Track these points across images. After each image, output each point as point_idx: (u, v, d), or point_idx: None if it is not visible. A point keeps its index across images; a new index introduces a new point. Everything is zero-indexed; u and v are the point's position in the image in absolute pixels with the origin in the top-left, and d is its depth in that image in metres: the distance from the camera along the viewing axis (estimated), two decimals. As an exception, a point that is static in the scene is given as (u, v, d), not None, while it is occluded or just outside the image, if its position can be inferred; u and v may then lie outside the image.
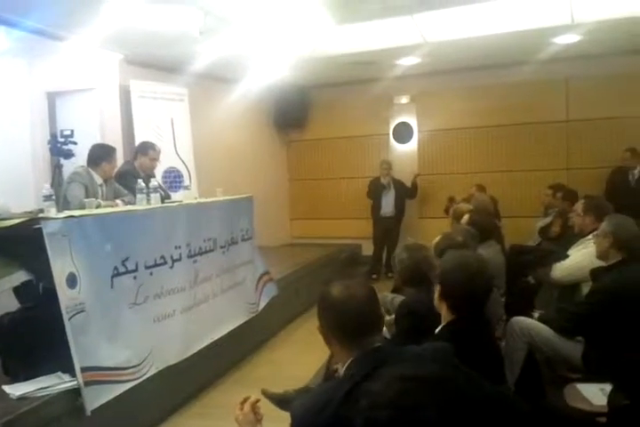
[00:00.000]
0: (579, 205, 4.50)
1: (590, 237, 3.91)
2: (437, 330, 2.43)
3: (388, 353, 1.68)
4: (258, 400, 1.99)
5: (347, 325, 1.73)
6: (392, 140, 9.27)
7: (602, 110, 7.82)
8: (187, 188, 6.49)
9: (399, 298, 3.61)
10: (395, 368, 1.07)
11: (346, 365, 1.71)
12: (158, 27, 5.45)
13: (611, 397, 2.37)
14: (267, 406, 2.16)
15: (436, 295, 2.46)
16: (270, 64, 7.23)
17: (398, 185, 8.48)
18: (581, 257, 3.97)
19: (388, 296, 3.76)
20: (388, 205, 8.45)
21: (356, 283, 1.82)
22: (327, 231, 9.49)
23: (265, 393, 3.49)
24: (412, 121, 9.10)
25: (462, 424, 0.99)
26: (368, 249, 8.82)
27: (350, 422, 1.48)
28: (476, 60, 7.74)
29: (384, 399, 1.00)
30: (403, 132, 9.18)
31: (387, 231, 8.45)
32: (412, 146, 9.16)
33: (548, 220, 6.67)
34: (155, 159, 5.36)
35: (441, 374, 1.04)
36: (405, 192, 8.53)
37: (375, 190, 8.49)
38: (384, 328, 3.19)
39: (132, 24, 5.29)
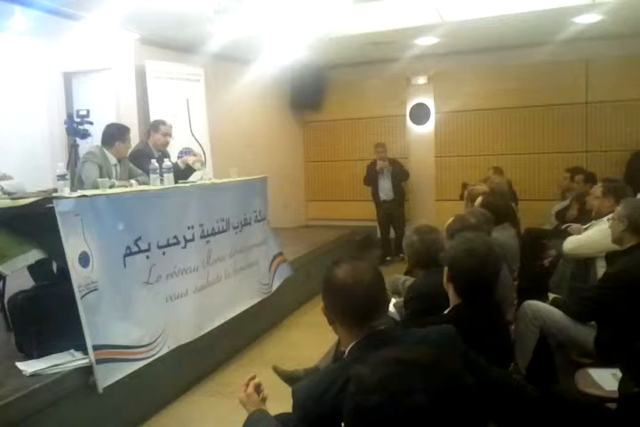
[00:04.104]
0: (597, 188, 4.46)
1: (605, 219, 3.89)
2: (445, 312, 2.43)
3: (391, 337, 1.67)
4: (260, 383, 2.01)
5: (352, 308, 1.71)
6: (409, 122, 9.19)
7: (623, 92, 7.67)
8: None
9: (411, 280, 3.60)
10: (385, 352, 1.06)
11: (349, 348, 1.71)
12: (173, 6, 5.42)
13: (621, 383, 2.35)
14: (272, 386, 2.17)
15: (445, 279, 2.45)
16: (286, 44, 7.16)
17: (395, 167, 8.36)
18: (594, 233, 4.00)
19: (401, 278, 3.74)
20: (384, 189, 8.36)
21: (362, 265, 1.79)
22: (343, 213, 9.47)
23: (276, 369, 3.54)
24: (430, 102, 9.01)
25: (456, 410, 0.97)
26: (383, 232, 8.80)
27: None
28: (495, 40, 7.61)
29: (371, 384, 0.98)
30: (420, 114, 9.10)
31: (389, 215, 8.40)
32: (429, 127, 9.08)
33: (565, 203, 6.62)
34: (167, 134, 5.33)
35: (433, 357, 1.02)
36: (401, 174, 8.43)
37: (372, 175, 8.39)
38: (394, 311, 3.19)
39: (147, 3, 5.27)
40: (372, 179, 8.42)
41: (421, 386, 0.95)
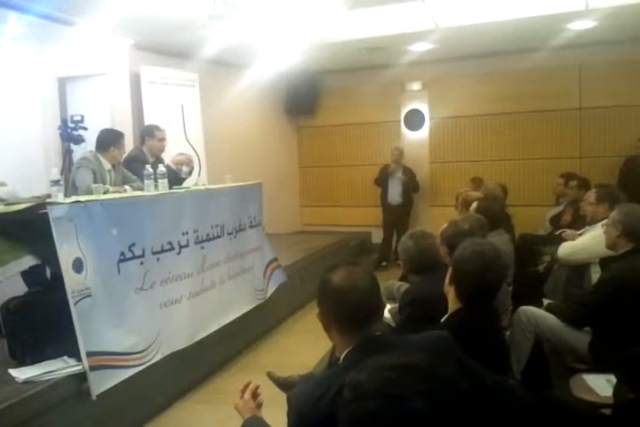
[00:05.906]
0: (590, 194, 4.48)
1: (599, 224, 3.90)
2: (444, 318, 2.41)
3: (386, 342, 1.66)
4: (258, 387, 2.00)
5: (347, 314, 1.70)
6: (403, 128, 9.20)
7: (616, 98, 7.71)
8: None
9: (406, 286, 3.60)
10: (381, 357, 1.05)
11: (344, 354, 1.69)
12: (168, 12, 5.41)
13: (616, 389, 2.35)
14: (267, 393, 2.15)
15: (447, 280, 2.43)
16: (281, 50, 7.17)
17: (408, 173, 8.43)
18: (589, 238, 4.02)
19: (396, 284, 3.74)
20: (394, 192, 8.40)
21: (357, 270, 1.78)
22: (337, 219, 9.48)
23: (270, 376, 3.52)
24: (424, 108, 9.02)
25: (454, 415, 0.97)
26: (378, 237, 8.79)
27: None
28: (489, 46, 7.65)
29: (370, 389, 0.98)
30: (414, 120, 9.11)
31: (395, 219, 8.40)
32: (423, 133, 9.08)
33: (559, 209, 6.63)
34: (163, 139, 5.32)
35: (429, 362, 1.02)
36: (412, 185, 8.47)
37: (383, 177, 8.45)
38: (389, 317, 3.19)
39: (142, 9, 5.26)
40: (382, 181, 8.46)
41: (420, 391, 0.95)
